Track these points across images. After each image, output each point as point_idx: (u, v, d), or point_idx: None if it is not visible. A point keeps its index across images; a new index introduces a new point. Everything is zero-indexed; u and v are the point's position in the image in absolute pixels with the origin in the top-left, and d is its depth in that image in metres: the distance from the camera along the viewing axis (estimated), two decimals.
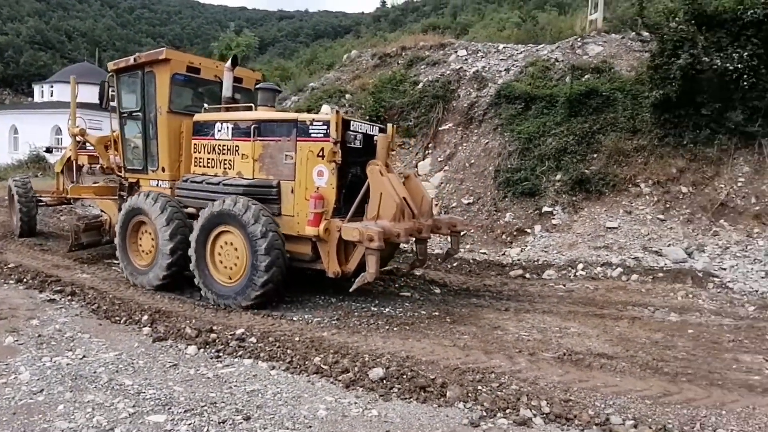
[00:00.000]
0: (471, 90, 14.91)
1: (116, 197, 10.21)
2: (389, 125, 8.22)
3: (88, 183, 11.60)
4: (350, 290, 6.95)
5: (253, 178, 7.71)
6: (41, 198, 12.69)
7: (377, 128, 8.12)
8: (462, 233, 8.71)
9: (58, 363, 5.13)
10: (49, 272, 8.88)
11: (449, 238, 8.51)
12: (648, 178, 11.50)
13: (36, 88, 52.75)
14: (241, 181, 7.69)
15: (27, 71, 78.18)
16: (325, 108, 8.34)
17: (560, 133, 12.54)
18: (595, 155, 12.16)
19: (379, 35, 36.89)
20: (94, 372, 4.94)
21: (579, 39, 15.68)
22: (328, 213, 7.03)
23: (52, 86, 49.56)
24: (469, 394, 4.58)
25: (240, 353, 5.52)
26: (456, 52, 16.85)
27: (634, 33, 14.01)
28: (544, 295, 8.54)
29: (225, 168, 8.09)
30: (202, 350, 5.62)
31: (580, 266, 9.77)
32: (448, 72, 15.78)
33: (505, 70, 15.21)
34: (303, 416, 4.18)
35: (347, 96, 16.72)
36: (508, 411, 4.36)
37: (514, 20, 29.36)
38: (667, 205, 10.97)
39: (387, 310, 7.34)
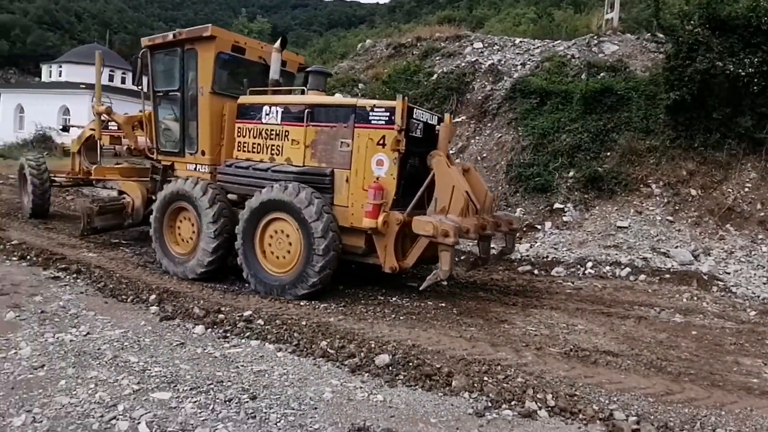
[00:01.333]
0: (486, 83, 14.81)
1: (144, 179, 9.90)
2: (447, 115, 7.85)
3: (107, 164, 11.28)
4: (420, 288, 6.69)
5: (304, 165, 7.36)
6: (55, 178, 12.26)
7: (437, 118, 7.76)
8: (517, 231, 8.33)
9: (61, 339, 5.11)
10: (54, 250, 8.85)
11: (505, 237, 8.10)
12: (659, 179, 11.45)
13: (44, 68, 52.81)
14: (291, 167, 7.38)
15: (34, 51, 78.04)
16: (338, 96, 8.21)
17: (574, 130, 12.46)
18: (608, 154, 12.10)
19: (393, 26, 36.74)
20: (99, 349, 4.92)
21: (595, 37, 15.57)
22: (387, 205, 6.68)
23: (60, 66, 49.65)
24: (475, 385, 4.56)
25: (247, 334, 5.52)
26: (472, 44, 16.74)
27: (649, 34, 13.91)
28: (552, 291, 8.50)
29: (272, 154, 7.68)
30: (209, 330, 5.62)
31: (589, 264, 9.72)
32: (463, 64, 15.67)
33: (521, 64, 15.11)
34: (309, 398, 4.17)
35: (360, 85, 16.66)
36: (513, 402, 4.34)
37: (530, 16, 29.26)
38: (677, 207, 10.92)
39: (393, 299, 7.31)
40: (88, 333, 5.33)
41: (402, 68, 16.28)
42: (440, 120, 7.70)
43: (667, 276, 9.22)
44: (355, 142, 6.97)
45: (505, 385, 4.61)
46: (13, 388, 4.07)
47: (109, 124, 11.39)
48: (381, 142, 6.78)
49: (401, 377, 4.66)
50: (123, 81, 47.58)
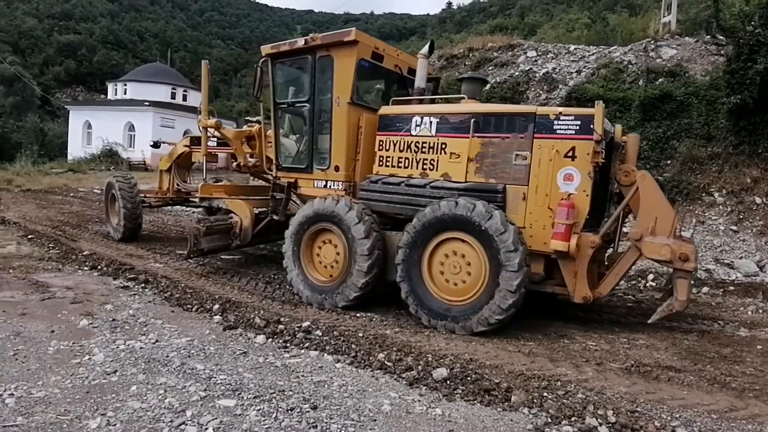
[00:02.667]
0: (541, 92, 14.70)
1: (252, 198, 9.55)
2: (617, 126, 7.06)
3: (197, 182, 10.92)
4: (649, 321, 6.24)
5: (467, 181, 6.68)
6: (144, 198, 11.62)
7: (613, 127, 7.00)
8: None
9: (132, 346, 5.34)
10: (123, 260, 9.26)
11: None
12: (722, 187, 11.09)
13: (110, 86, 55.44)
14: (454, 184, 6.70)
15: (100, 69, 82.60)
16: None
17: None
18: (668, 162, 11.82)
19: (444, 36, 36.85)
20: (167, 356, 5.11)
21: (652, 41, 15.22)
22: (579, 225, 6.00)
23: (125, 84, 52.06)
24: (534, 400, 4.51)
25: (306, 345, 5.62)
26: (525, 53, 16.65)
27: (708, 36, 13.50)
28: (613, 305, 8.30)
29: (424, 168, 7.02)
30: (270, 340, 5.76)
31: (651, 277, 9.47)
32: (516, 73, 15.61)
33: (576, 71, 14.91)
34: (368, 409, 4.22)
35: None
36: (573, 419, 4.26)
37: (583, 21, 28.78)
38: (741, 216, 10.53)
39: None
40: (156, 341, 5.55)
41: (454, 79, 16.28)
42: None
43: (732, 288, 8.93)
44: (534, 154, 6.27)
45: (565, 401, 4.54)
46: (88, 392, 4.28)
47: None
48: (570, 154, 6.09)
49: (459, 391, 4.65)
50: (184, 98, 49.61)
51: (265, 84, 8.32)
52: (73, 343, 5.38)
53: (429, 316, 6.43)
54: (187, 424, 3.84)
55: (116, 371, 4.71)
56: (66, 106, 54.33)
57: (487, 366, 5.22)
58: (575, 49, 16.50)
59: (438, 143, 6.92)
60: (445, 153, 6.87)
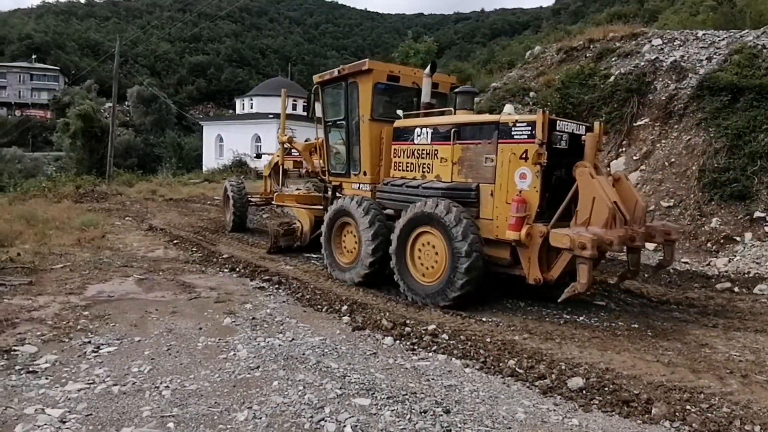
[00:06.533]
0: (669, 82, 13.71)
1: (313, 207, 11.20)
2: (596, 123, 7.47)
3: (291, 186, 12.97)
4: (558, 301, 6.65)
5: (452, 182, 7.77)
6: (251, 199, 14.19)
7: (584, 127, 7.52)
8: (676, 242, 7.87)
9: (271, 343, 5.66)
10: (257, 263, 9.84)
11: (662, 248, 7.69)
12: None
13: (237, 101, 59.28)
14: (440, 184, 7.84)
15: (227, 86, 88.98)
16: (508, 107, 8.10)
17: None
18: None
19: (560, 29, 35.54)
20: (303, 354, 5.37)
21: None
22: (530, 217, 6.78)
23: (251, 99, 55.41)
24: (677, 413, 4.26)
25: (434, 348, 5.67)
26: (650, 41, 15.60)
27: None
28: (756, 312, 7.58)
29: (424, 172, 8.26)
30: (397, 342, 5.88)
31: None
32: (642, 63, 14.65)
33: (706, 59, 13.74)
34: (502, 417, 4.19)
35: (531, 94, 16.28)
36: None
37: (708, 3, 26.39)
38: None
39: (581, 318, 7.04)
40: (293, 339, 5.85)
41: (575, 73, 15.63)
42: (588, 129, 7.46)
43: None
44: (498, 157, 7.20)
45: (709, 414, 4.28)
46: (234, 386, 4.60)
47: (292, 150, 12.93)
48: (524, 156, 6.90)
49: (596, 402, 4.50)
50: (304, 109, 51.84)
51: (316, 106, 10.23)
52: (219, 339, 5.79)
53: (412, 293, 7.61)
54: (326, 421, 4.01)
55: (259, 367, 5.02)
56: (199, 122, 58.87)
57: (625, 376, 5.00)
58: (704, 34, 15.16)
59: (432, 150, 8.12)
60: (437, 158, 8.04)
